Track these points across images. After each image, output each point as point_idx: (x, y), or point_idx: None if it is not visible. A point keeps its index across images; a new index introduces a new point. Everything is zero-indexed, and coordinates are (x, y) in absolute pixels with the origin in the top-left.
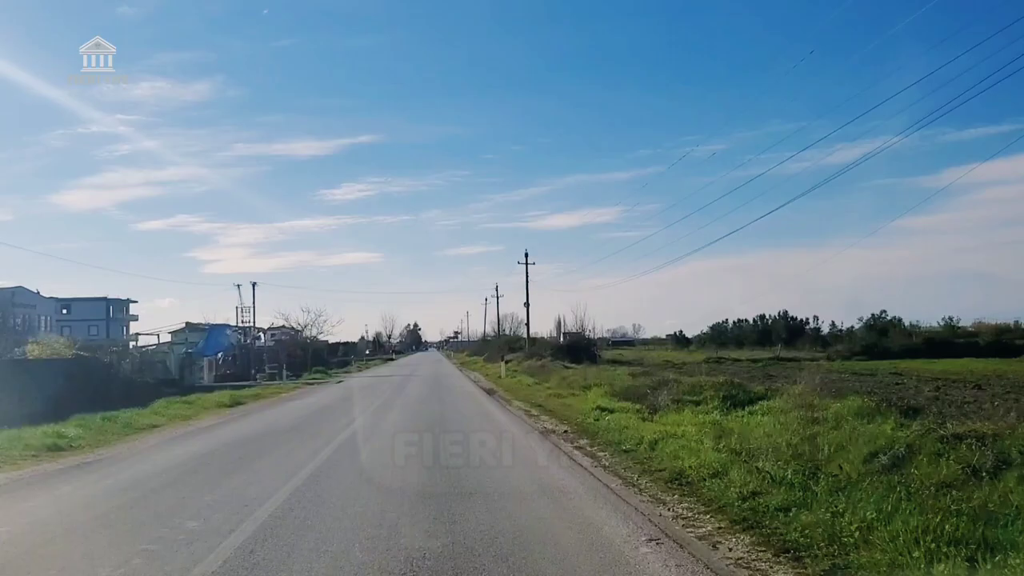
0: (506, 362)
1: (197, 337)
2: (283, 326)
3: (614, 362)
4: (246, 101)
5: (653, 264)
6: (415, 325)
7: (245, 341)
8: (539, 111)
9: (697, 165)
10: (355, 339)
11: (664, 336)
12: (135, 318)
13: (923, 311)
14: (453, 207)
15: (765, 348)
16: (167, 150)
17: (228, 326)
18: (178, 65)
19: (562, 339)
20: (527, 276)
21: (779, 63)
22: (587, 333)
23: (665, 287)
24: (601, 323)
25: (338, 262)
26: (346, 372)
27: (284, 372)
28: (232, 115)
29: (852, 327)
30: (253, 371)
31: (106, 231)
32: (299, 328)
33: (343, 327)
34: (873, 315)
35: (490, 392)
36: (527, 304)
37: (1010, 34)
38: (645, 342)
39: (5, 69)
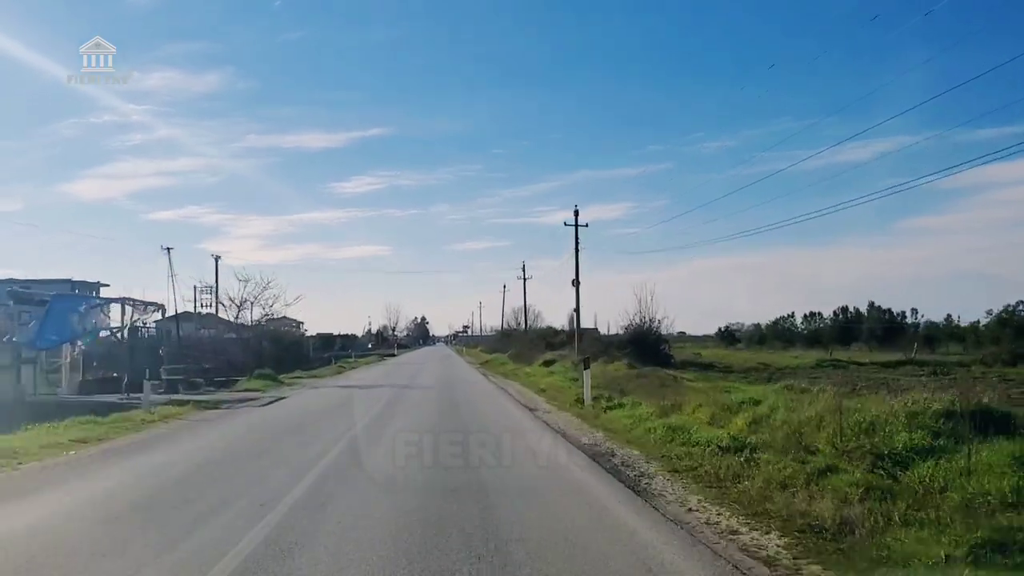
0: (578, 364)
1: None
2: (283, 317)
3: (689, 364)
4: (256, 93)
5: (659, 261)
6: (422, 319)
7: (135, 321)
8: (547, 106)
9: (706, 162)
10: (362, 332)
11: (677, 333)
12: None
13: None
14: (461, 201)
15: (848, 347)
16: (178, 141)
17: (86, 299)
18: (188, 56)
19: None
20: (576, 243)
21: (790, 60)
22: (655, 326)
23: (667, 284)
24: (614, 319)
25: (347, 255)
26: (315, 376)
27: (150, 382)
28: (243, 107)
29: (978, 323)
30: (124, 378)
31: (116, 221)
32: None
33: (346, 319)
34: (1007, 307)
35: (624, 478)
36: (576, 282)
37: None
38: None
39: (17, 57)
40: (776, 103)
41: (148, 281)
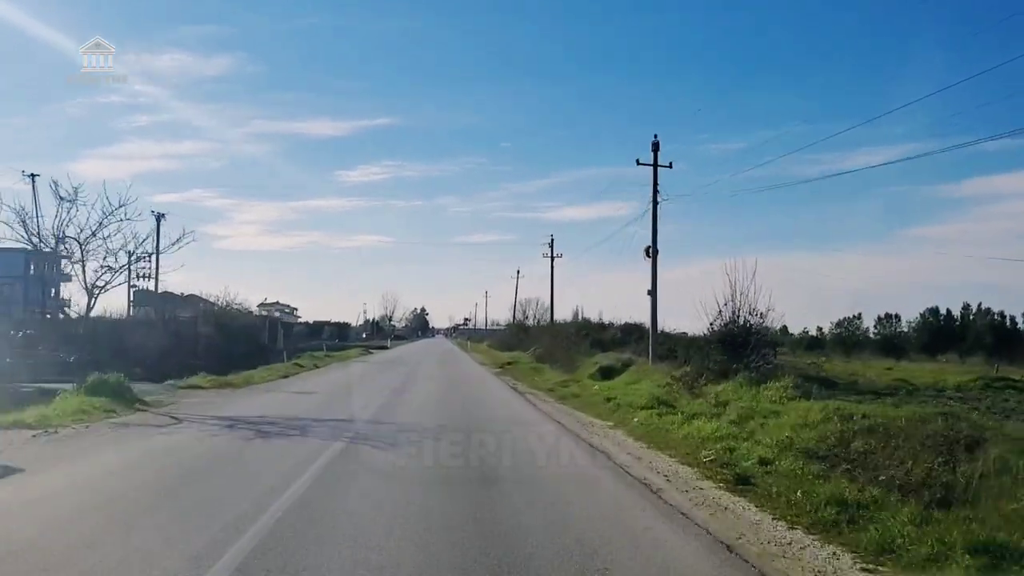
0: (696, 381)
1: None
2: (277, 303)
3: (808, 378)
4: (266, 78)
5: (667, 261)
6: (421, 309)
7: None
8: (557, 102)
9: (712, 163)
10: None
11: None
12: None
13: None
14: (467, 194)
15: (935, 358)
16: (185, 123)
17: None
18: (200, 39)
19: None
20: (655, 190)
21: (801, 64)
22: (755, 323)
23: (672, 285)
24: (621, 317)
25: (350, 244)
26: (228, 386)
27: None
28: (251, 91)
29: None
30: None
31: (120, 201)
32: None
33: (351, 309)
34: None
35: None
36: (654, 251)
37: None
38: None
39: (27, 35)
40: (787, 107)
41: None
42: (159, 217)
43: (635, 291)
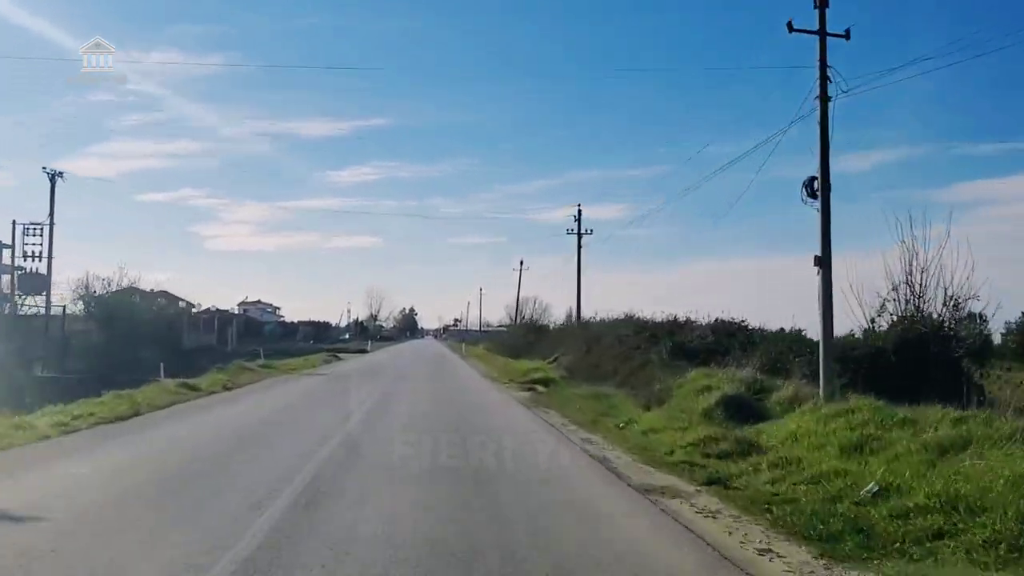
0: None
1: None
2: (258, 301)
3: None
4: (259, 78)
5: (658, 263)
6: (410, 309)
7: None
8: (557, 103)
9: (710, 165)
10: (344, 320)
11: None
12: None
13: None
14: (460, 196)
15: None
16: (176, 122)
17: None
18: (195, 38)
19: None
20: (823, 77)
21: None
22: (944, 319)
23: (672, 287)
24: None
25: (340, 245)
26: None
27: None
28: (244, 91)
29: None
30: None
31: (109, 200)
32: None
33: (336, 310)
34: None
35: None
36: (824, 186)
37: None
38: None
39: (24, 33)
40: (785, 109)
41: (151, 261)
42: (54, 177)
43: (637, 293)
